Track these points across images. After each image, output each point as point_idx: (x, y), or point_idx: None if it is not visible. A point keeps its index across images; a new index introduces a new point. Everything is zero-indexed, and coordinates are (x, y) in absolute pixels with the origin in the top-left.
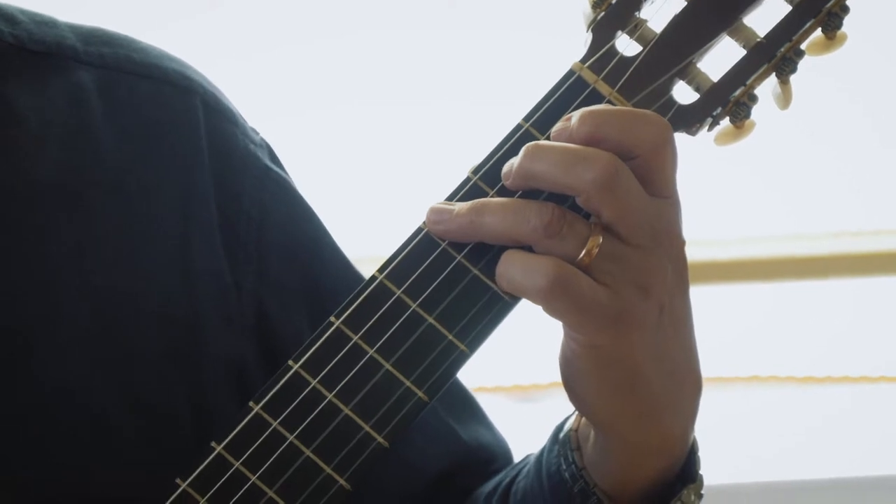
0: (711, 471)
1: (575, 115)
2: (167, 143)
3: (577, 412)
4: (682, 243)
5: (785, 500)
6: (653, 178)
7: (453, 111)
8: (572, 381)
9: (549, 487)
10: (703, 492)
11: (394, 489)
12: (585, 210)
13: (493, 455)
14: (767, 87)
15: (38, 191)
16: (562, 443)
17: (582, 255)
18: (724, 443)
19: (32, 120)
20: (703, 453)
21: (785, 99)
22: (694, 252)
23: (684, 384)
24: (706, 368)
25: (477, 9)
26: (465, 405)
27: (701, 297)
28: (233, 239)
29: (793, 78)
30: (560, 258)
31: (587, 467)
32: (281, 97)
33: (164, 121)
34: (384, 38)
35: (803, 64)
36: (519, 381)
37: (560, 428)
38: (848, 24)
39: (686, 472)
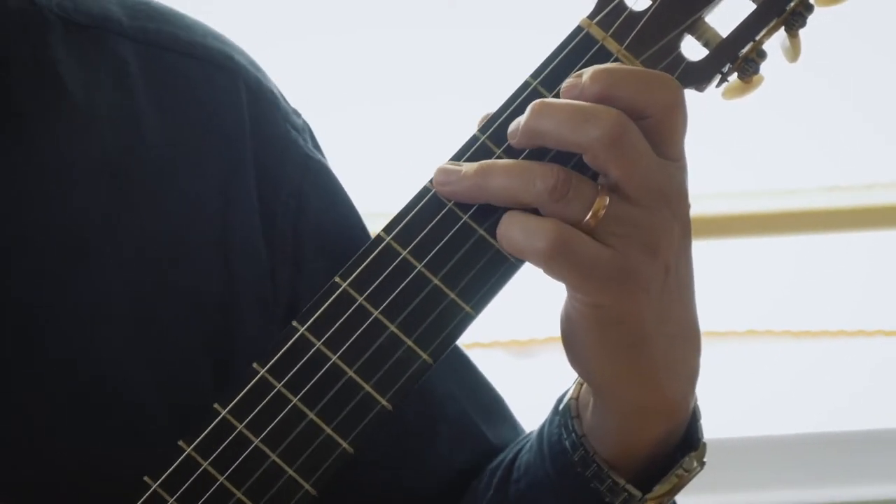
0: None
1: (587, 73)
2: (209, 124)
3: (576, 381)
4: (688, 206)
5: (781, 453)
6: (663, 140)
7: (453, 111)
8: (573, 342)
9: (551, 457)
10: (705, 459)
11: (419, 486)
12: (593, 169)
13: None
14: (776, 41)
15: (81, 168)
16: (562, 413)
17: (588, 217)
18: (720, 397)
19: (78, 94)
20: (726, 407)
21: (794, 52)
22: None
23: (685, 348)
24: (703, 322)
25: (477, 8)
26: (494, 407)
27: (698, 252)
28: (270, 225)
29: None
30: (566, 220)
31: (587, 434)
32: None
33: (206, 102)
34: (383, 37)
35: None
36: (516, 336)
37: (561, 399)
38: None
39: (688, 438)
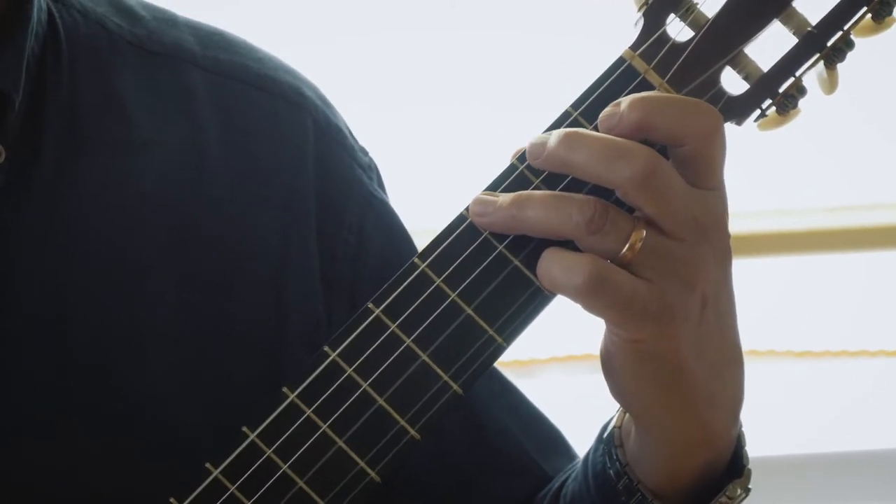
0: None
1: (625, 101)
2: (274, 160)
3: (619, 409)
4: (727, 235)
5: (821, 473)
6: (700, 169)
7: (453, 112)
8: (613, 374)
9: (595, 486)
10: (750, 486)
11: None
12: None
13: None
14: (814, 73)
15: (139, 198)
16: (605, 441)
17: (624, 250)
18: (759, 417)
19: (143, 123)
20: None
21: (830, 84)
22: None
23: (726, 378)
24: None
25: (478, 10)
26: (549, 439)
27: (738, 271)
28: (329, 265)
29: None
30: (602, 254)
31: (630, 464)
32: None
33: (273, 137)
34: (384, 40)
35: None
36: (518, 356)
37: (605, 427)
38: None
39: (732, 466)
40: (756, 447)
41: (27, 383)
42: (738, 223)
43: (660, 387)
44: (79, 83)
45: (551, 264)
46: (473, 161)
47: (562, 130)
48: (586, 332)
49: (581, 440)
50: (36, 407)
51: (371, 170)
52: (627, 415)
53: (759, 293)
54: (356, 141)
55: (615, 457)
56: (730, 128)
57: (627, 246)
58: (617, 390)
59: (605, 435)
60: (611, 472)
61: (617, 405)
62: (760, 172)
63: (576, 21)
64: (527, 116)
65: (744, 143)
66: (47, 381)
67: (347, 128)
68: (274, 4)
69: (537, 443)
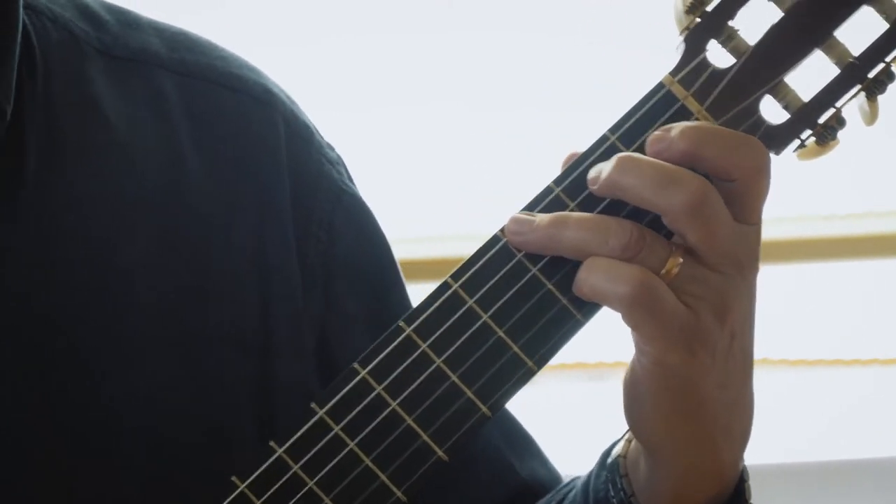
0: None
1: (675, 128)
2: (249, 161)
3: (625, 438)
4: (757, 271)
5: (815, 481)
6: (744, 204)
7: (452, 112)
8: (636, 401)
9: None
10: None
11: None
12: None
13: (546, 489)
14: (854, 103)
15: (119, 203)
16: (609, 468)
17: (661, 274)
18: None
19: (122, 129)
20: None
21: (872, 115)
22: None
23: (741, 414)
24: None
25: (475, 10)
26: (523, 441)
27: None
28: (303, 260)
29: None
30: None
31: (637, 494)
32: None
33: (245, 137)
34: (382, 40)
35: None
36: None
37: (607, 454)
38: None
39: (735, 499)
40: (750, 455)
41: (8, 388)
42: None
43: (680, 416)
44: (55, 89)
45: (594, 272)
46: (472, 161)
47: (616, 156)
48: (579, 341)
49: (576, 449)
50: (17, 412)
51: (339, 164)
52: (633, 444)
53: (776, 301)
54: (322, 137)
55: (620, 486)
56: None
57: (664, 271)
58: (636, 417)
59: (609, 462)
60: (614, 500)
61: (615, 430)
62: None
63: (574, 21)
64: (526, 116)
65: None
66: (28, 387)
67: (313, 124)
68: (268, 6)
69: (514, 446)
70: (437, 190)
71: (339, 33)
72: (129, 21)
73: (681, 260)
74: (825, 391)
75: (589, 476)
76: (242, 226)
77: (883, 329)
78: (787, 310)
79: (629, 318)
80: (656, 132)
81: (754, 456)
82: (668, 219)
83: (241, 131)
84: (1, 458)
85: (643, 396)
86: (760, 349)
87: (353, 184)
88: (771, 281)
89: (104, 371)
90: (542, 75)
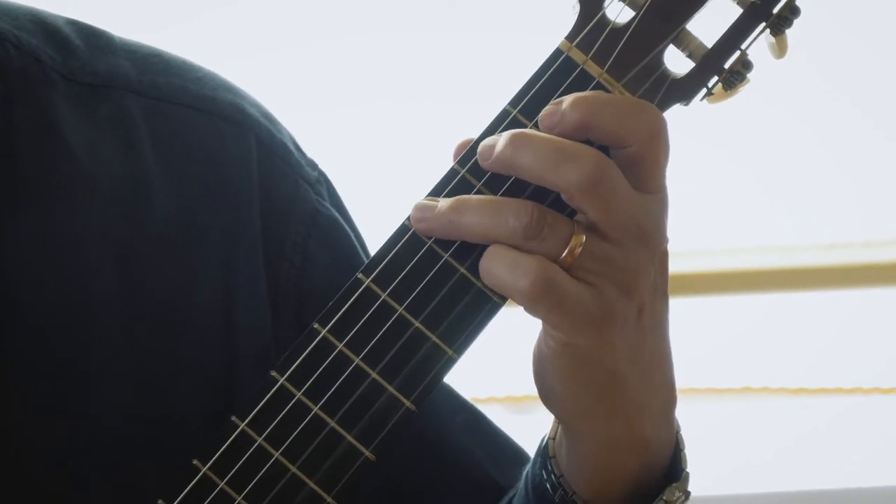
0: (705, 481)
1: (566, 100)
2: (218, 183)
3: (555, 420)
4: (665, 241)
5: None
6: (643, 171)
7: (451, 111)
8: (546, 378)
9: (535, 499)
10: (689, 489)
11: None
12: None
13: None
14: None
15: (87, 238)
16: (542, 453)
17: (564, 255)
18: (717, 453)
19: (85, 158)
20: (696, 464)
21: (780, 49)
22: (686, 263)
23: (657, 387)
24: (699, 379)
25: (477, 9)
26: (511, 456)
27: (693, 308)
28: (274, 286)
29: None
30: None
31: (564, 475)
32: (280, 99)
33: (215, 158)
34: (383, 39)
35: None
36: (512, 392)
37: (543, 440)
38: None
39: (671, 471)
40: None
41: None
42: (734, 259)
43: (592, 391)
44: (16, 120)
45: (495, 263)
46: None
47: (509, 132)
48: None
49: None
50: None
51: (319, 184)
52: (560, 424)
53: (716, 331)
54: (303, 155)
55: (550, 468)
56: (705, 162)
57: (567, 251)
58: (547, 394)
59: (541, 447)
60: (547, 484)
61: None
62: (764, 210)
63: (572, 21)
64: None
65: (722, 181)
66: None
67: (294, 142)
68: (268, 5)
69: (498, 461)
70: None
71: (339, 34)
72: (100, 45)
73: (584, 238)
74: (789, 419)
75: (529, 465)
76: (209, 252)
77: (849, 358)
78: (752, 338)
79: (531, 311)
80: (548, 107)
81: (718, 486)
82: (566, 196)
83: (211, 154)
84: None
85: (552, 374)
86: (728, 378)
87: (335, 202)
88: (738, 310)
89: (60, 402)
90: None
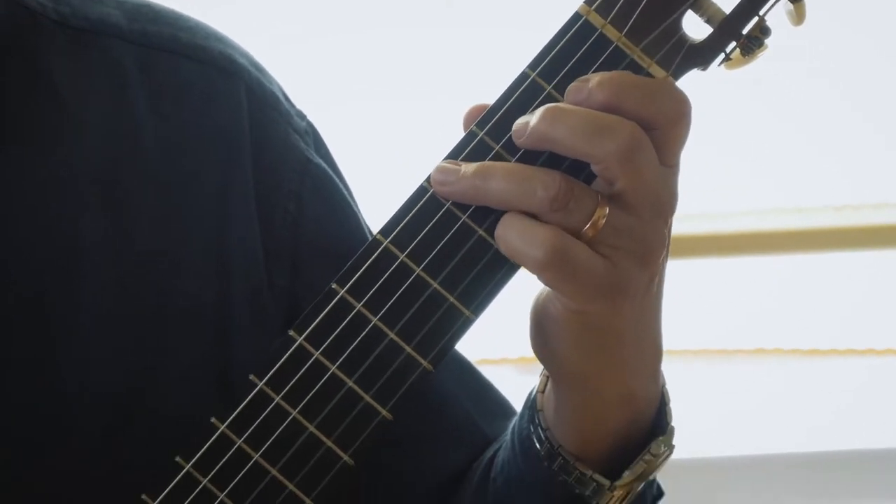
0: (715, 443)
1: (594, 80)
2: (209, 131)
3: (543, 373)
4: (673, 213)
5: (790, 472)
6: (665, 150)
7: (450, 111)
8: (547, 337)
9: (521, 453)
10: (673, 443)
11: (420, 485)
12: (597, 175)
13: None
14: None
15: (75, 180)
16: (530, 406)
17: (587, 227)
18: (730, 414)
19: (73, 103)
20: (707, 426)
21: (799, 16)
22: (702, 225)
23: (650, 343)
24: (712, 341)
25: (475, 7)
26: (497, 407)
27: (707, 270)
28: (269, 232)
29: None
30: (564, 229)
31: (551, 428)
32: None
33: (206, 107)
34: (382, 37)
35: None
36: (525, 353)
37: (531, 393)
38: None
39: (657, 425)
40: (755, 445)
41: None
42: (727, 222)
43: (594, 354)
44: (4, 66)
45: (510, 231)
46: None
47: (543, 107)
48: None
49: None
50: None
51: (308, 134)
52: (550, 378)
53: (729, 293)
54: (292, 105)
55: (538, 421)
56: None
57: (590, 223)
58: (546, 352)
59: (530, 399)
60: (534, 437)
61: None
62: (765, 170)
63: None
64: None
65: (746, 142)
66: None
67: (283, 92)
68: (266, 4)
69: (485, 411)
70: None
71: (337, 32)
72: None
73: (607, 210)
74: (820, 381)
75: (516, 417)
76: (202, 195)
77: (862, 321)
78: (783, 300)
79: (544, 281)
80: (574, 84)
81: (749, 447)
82: (600, 167)
83: (202, 102)
84: None
85: (555, 335)
86: (755, 340)
87: (323, 154)
88: (769, 271)
89: (54, 347)
90: None
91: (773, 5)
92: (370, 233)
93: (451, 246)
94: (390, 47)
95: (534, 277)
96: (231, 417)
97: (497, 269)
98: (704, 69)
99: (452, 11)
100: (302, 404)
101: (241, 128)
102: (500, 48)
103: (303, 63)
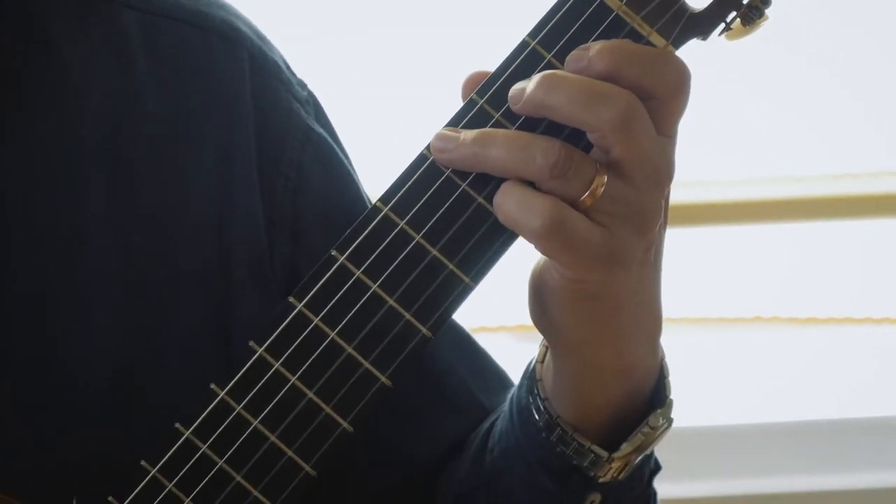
0: (713, 411)
1: (593, 48)
2: (211, 97)
3: (542, 343)
4: (671, 182)
5: (786, 440)
6: (663, 120)
7: (450, 111)
8: (545, 306)
9: (520, 422)
10: (672, 415)
11: (418, 455)
12: (594, 144)
13: None
14: None
15: (76, 145)
16: (528, 376)
17: (585, 196)
18: (728, 383)
19: (76, 68)
20: (705, 394)
21: None
22: (700, 193)
23: (648, 315)
24: (710, 309)
25: (475, 7)
26: (494, 378)
27: (705, 238)
28: (270, 199)
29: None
30: (562, 197)
31: (550, 398)
32: None
33: (209, 74)
34: (382, 37)
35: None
36: (523, 321)
37: (530, 363)
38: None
39: (655, 398)
40: (757, 413)
41: None
42: (741, 190)
43: (591, 323)
44: (9, 31)
45: (507, 200)
46: None
47: (540, 74)
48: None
49: None
50: None
51: (308, 104)
52: (548, 348)
53: (727, 261)
54: (293, 75)
55: (536, 391)
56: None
57: (588, 192)
58: (542, 319)
59: (528, 370)
60: (532, 407)
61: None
62: (770, 141)
63: None
64: None
65: (753, 111)
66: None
67: (284, 61)
68: (266, 4)
69: (482, 380)
70: None
71: (335, 31)
72: None
73: (605, 178)
74: (836, 350)
75: (515, 387)
76: (203, 164)
77: (861, 288)
78: (797, 268)
79: (542, 250)
80: (574, 51)
81: (760, 414)
82: (597, 135)
83: (205, 69)
84: None
85: (553, 304)
86: (773, 308)
87: (324, 123)
88: (782, 240)
89: (56, 313)
90: None
91: None
92: (370, 203)
93: (451, 213)
94: (390, 47)
95: (532, 246)
96: (230, 384)
97: (496, 237)
98: (705, 39)
99: (452, 11)
100: (301, 370)
101: (242, 95)
102: (499, 48)
103: (299, 64)
